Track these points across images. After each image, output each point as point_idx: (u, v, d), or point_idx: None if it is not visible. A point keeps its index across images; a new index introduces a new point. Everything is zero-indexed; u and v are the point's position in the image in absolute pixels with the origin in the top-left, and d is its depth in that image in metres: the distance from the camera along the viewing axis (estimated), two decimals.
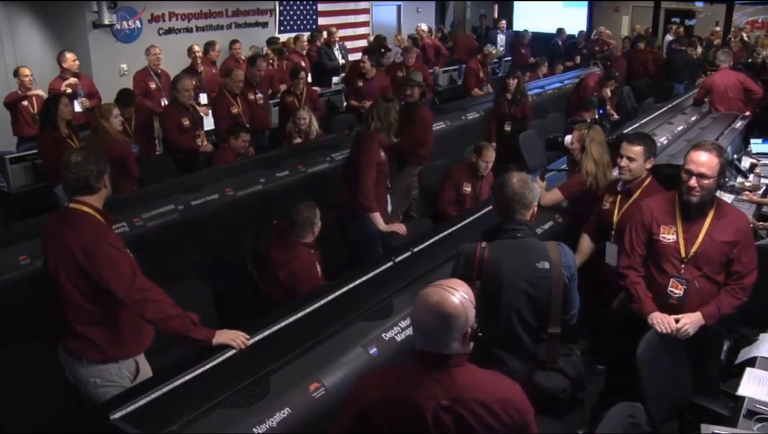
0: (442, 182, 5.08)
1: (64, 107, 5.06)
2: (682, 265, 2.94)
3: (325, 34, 9.60)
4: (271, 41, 8.91)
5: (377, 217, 4.09)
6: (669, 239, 2.96)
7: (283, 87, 7.46)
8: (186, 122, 5.64)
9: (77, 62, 6.58)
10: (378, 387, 1.90)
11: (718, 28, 12.87)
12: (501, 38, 11.85)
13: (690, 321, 2.91)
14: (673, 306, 2.96)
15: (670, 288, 2.96)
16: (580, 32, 11.71)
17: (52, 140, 4.94)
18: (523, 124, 6.79)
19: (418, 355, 1.85)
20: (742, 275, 2.90)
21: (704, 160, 2.86)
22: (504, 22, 12.57)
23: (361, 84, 7.34)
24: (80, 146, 4.02)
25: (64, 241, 2.55)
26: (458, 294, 1.82)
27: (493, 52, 9.10)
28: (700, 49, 10.61)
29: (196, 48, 7.55)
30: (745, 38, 12.03)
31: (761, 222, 4.27)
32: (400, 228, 4.16)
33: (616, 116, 7.07)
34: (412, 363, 1.86)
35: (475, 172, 4.91)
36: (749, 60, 9.25)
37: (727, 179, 2.93)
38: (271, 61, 8.16)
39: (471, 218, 3.93)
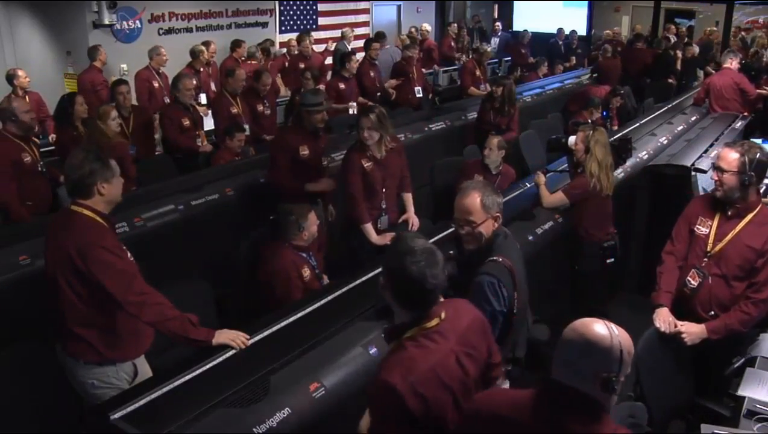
0: (457, 177, 5.13)
1: (80, 106, 5.15)
2: (705, 259, 2.99)
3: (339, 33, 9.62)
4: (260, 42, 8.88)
5: (367, 229, 4.04)
6: (702, 231, 3.03)
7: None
8: (186, 122, 5.64)
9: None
10: (496, 399, 1.87)
11: (714, 28, 12.87)
12: (494, 40, 11.82)
13: (689, 332, 2.92)
14: (686, 295, 3.03)
15: (688, 278, 3.04)
16: (572, 32, 11.72)
17: (71, 139, 4.97)
18: (507, 136, 5.88)
19: (545, 383, 1.75)
20: (757, 288, 2.88)
21: (723, 155, 2.94)
22: (498, 24, 12.59)
23: (343, 86, 7.22)
24: (80, 147, 4.01)
25: (61, 243, 2.56)
26: (612, 329, 1.70)
27: (489, 50, 9.11)
28: (696, 49, 10.63)
29: (202, 48, 7.59)
30: (747, 38, 12.03)
31: None
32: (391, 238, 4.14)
33: (615, 127, 7.05)
34: (539, 391, 1.76)
35: (485, 163, 4.97)
36: (742, 60, 9.24)
37: (748, 178, 2.88)
38: (259, 60, 8.18)
39: None
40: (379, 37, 9.16)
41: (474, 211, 2.44)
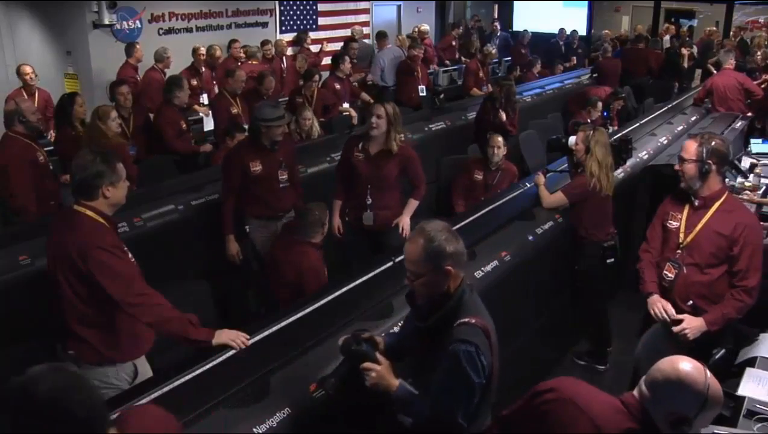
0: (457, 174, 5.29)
1: (79, 107, 5.14)
2: (678, 251, 3.07)
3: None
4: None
5: (334, 203, 4.25)
6: (673, 225, 3.11)
7: None
8: (184, 125, 5.64)
9: None
10: (581, 391, 1.89)
11: (714, 28, 12.89)
12: (495, 41, 11.82)
13: (691, 327, 2.94)
14: (665, 289, 3.10)
15: (664, 271, 3.11)
16: (573, 32, 11.75)
17: (71, 139, 4.96)
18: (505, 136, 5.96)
19: (639, 407, 1.79)
20: (743, 275, 2.92)
21: (684, 146, 3.06)
22: (496, 24, 12.62)
23: (338, 86, 7.19)
24: (89, 148, 3.96)
25: (62, 243, 2.56)
26: (706, 376, 1.71)
27: (493, 51, 9.13)
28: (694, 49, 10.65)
29: (202, 50, 7.62)
30: (746, 39, 12.03)
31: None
32: (336, 225, 4.21)
33: (615, 128, 7.06)
34: (631, 410, 1.79)
35: (487, 161, 4.99)
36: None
37: (707, 167, 2.97)
38: (260, 60, 8.19)
39: (471, 218, 3.93)
40: (381, 36, 9.17)
41: (415, 259, 2.07)
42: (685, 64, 10.19)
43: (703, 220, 3.01)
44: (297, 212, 4.06)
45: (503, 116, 6.19)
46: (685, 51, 10.35)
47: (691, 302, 3.03)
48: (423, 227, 2.10)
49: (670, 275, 3.09)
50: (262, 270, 4.09)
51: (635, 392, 1.79)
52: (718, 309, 2.95)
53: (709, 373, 1.73)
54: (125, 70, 7.24)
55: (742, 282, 2.93)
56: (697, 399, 1.70)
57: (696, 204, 3.05)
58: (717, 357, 2.94)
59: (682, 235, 3.06)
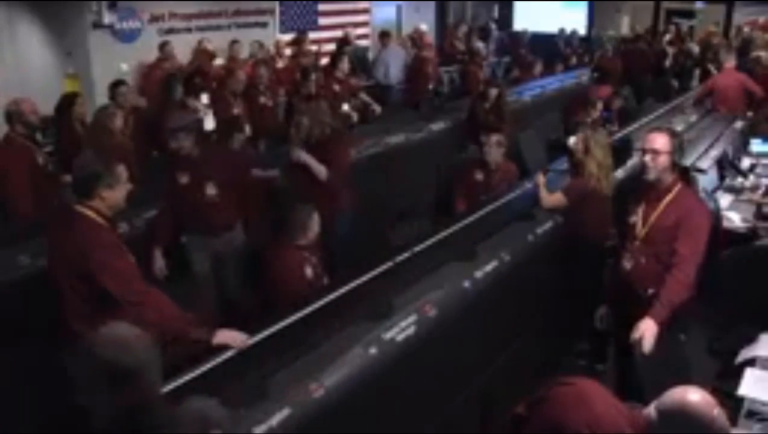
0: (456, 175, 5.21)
1: (79, 107, 5.04)
2: (636, 242, 3.17)
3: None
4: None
5: None
6: (633, 220, 3.21)
7: None
8: None
9: None
10: (591, 390, 1.93)
11: (714, 29, 12.88)
12: (490, 42, 11.83)
13: (644, 335, 2.91)
14: (625, 276, 3.22)
15: (623, 262, 3.23)
16: (573, 31, 11.74)
17: (72, 139, 4.94)
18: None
19: (637, 412, 1.84)
20: (683, 257, 2.97)
21: (656, 138, 3.09)
22: (493, 25, 12.64)
23: (337, 87, 7.09)
24: (90, 148, 3.93)
25: (62, 242, 2.57)
26: (715, 407, 1.75)
27: (481, 46, 9.20)
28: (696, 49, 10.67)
29: (206, 46, 7.59)
30: (747, 39, 12.01)
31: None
32: None
33: (615, 127, 7.06)
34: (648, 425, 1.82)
35: (485, 160, 4.97)
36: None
37: (677, 158, 3.06)
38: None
39: (471, 219, 3.93)
40: (385, 35, 9.17)
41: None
42: (667, 63, 10.22)
43: (656, 212, 3.10)
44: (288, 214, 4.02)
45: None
46: (668, 49, 10.40)
47: (651, 290, 3.09)
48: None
49: (627, 265, 3.19)
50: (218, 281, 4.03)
51: (645, 411, 1.83)
52: (659, 302, 2.96)
53: (717, 409, 1.76)
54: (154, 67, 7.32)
55: (680, 265, 2.97)
56: (701, 432, 1.73)
57: (651, 197, 3.13)
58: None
59: (639, 228, 3.16)
